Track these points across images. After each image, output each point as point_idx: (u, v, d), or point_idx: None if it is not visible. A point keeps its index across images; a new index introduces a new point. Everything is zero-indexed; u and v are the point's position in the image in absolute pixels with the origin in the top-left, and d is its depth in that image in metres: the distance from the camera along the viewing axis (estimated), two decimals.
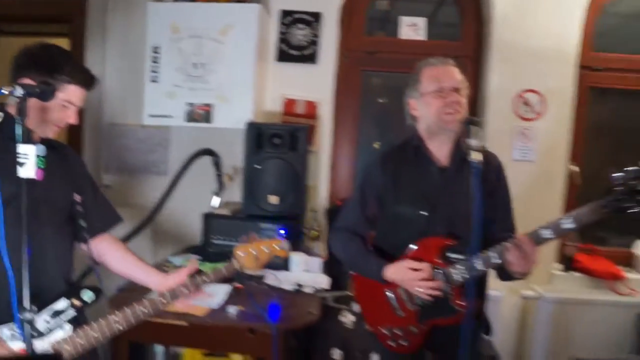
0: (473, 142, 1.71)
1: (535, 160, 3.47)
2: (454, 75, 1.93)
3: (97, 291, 1.73)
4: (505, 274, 1.87)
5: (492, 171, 1.97)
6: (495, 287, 3.29)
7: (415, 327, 1.98)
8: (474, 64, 3.59)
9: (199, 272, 1.88)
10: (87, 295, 1.70)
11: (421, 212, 1.92)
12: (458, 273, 1.85)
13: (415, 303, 1.95)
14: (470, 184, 1.82)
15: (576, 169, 3.57)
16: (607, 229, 3.99)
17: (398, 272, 1.93)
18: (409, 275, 1.89)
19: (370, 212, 2.06)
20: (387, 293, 2.01)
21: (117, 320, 1.68)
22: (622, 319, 3.35)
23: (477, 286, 1.88)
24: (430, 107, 1.91)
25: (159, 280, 1.85)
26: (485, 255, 1.79)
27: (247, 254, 1.91)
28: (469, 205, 1.82)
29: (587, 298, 3.46)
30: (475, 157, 1.67)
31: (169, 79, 3.28)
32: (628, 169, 1.63)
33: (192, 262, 1.91)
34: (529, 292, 3.48)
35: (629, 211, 1.62)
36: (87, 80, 1.71)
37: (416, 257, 1.92)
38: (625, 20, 3.78)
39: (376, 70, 3.77)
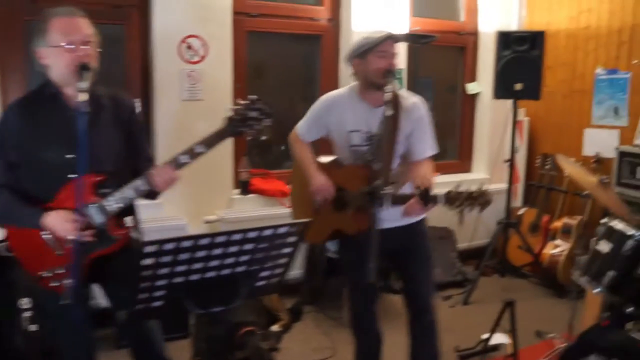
0: (82, 85, 1.85)
1: (204, 99, 3.82)
2: (83, 28, 1.97)
3: None
4: (150, 196, 2.14)
5: (125, 112, 2.18)
6: (177, 215, 3.69)
7: None
8: (140, 12, 3.73)
9: None
10: None
11: (67, 156, 1.98)
12: (112, 203, 2.00)
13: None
14: (106, 124, 2.09)
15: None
16: (279, 156, 4.67)
17: (55, 221, 1.96)
18: (65, 226, 1.94)
19: (12, 160, 2.03)
20: (45, 236, 2.01)
21: None
22: None
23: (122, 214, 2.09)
24: (61, 60, 1.94)
25: None
26: (134, 184, 2.01)
27: None
28: (110, 142, 2.08)
29: (261, 214, 4.03)
30: (82, 98, 1.82)
31: None
32: (240, 102, 2.04)
33: None
34: (211, 217, 3.94)
35: (242, 133, 2.04)
36: None
37: (68, 198, 1.97)
38: None
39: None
